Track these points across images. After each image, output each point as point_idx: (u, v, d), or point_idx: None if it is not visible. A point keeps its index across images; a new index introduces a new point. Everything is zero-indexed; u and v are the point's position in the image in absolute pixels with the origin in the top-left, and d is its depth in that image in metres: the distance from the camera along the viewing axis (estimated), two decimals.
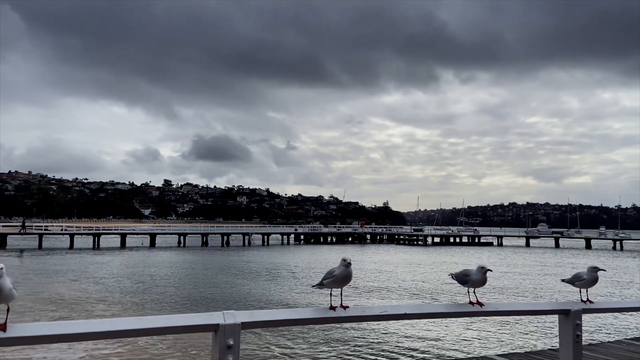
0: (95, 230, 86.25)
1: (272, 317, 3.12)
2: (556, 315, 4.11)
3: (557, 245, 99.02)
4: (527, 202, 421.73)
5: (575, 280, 4.55)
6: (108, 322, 2.78)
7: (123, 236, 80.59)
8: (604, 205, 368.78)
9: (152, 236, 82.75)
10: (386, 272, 43.96)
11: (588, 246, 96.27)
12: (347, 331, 18.65)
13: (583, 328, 4.21)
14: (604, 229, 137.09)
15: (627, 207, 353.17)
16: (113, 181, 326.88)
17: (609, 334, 18.61)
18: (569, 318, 3.97)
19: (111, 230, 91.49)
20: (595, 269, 4.57)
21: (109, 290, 30.35)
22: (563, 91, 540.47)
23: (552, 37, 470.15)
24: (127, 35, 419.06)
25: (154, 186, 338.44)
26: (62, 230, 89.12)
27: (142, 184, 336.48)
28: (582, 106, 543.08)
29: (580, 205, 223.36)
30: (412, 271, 45.48)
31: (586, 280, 4.51)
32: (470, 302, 3.91)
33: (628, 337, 11.34)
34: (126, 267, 45.13)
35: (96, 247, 74.53)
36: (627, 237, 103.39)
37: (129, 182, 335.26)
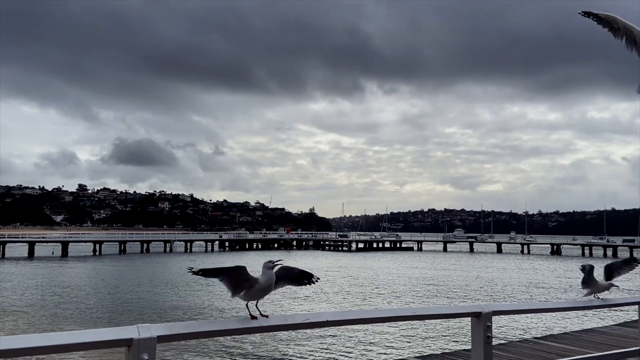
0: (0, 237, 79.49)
1: (191, 329, 3.00)
2: (469, 318, 4.29)
3: (471, 250, 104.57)
4: (445, 209, 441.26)
5: None
6: (6, 340, 2.55)
7: (31, 244, 75.01)
8: (513, 211, 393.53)
9: (64, 244, 77.59)
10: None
11: (499, 250, 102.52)
12: (267, 337, 18.50)
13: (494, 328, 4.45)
14: (514, 234, 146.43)
15: (533, 214, 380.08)
16: (21, 185, 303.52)
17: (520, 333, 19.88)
18: (480, 320, 4.16)
19: (18, 238, 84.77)
20: None
21: (14, 304, 28.06)
22: (476, 104, 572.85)
23: (465, 54, 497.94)
24: (40, 33, 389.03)
25: (67, 191, 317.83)
26: None
27: (53, 189, 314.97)
28: (494, 118, 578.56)
29: (493, 211, 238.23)
30: (342, 276, 46.02)
31: None
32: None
33: (534, 337, 12.16)
34: (34, 278, 41.98)
35: (0, 256, 68.72)
36: (533, 242, 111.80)
37: (39, 186, 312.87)
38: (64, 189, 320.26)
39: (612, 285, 5.31)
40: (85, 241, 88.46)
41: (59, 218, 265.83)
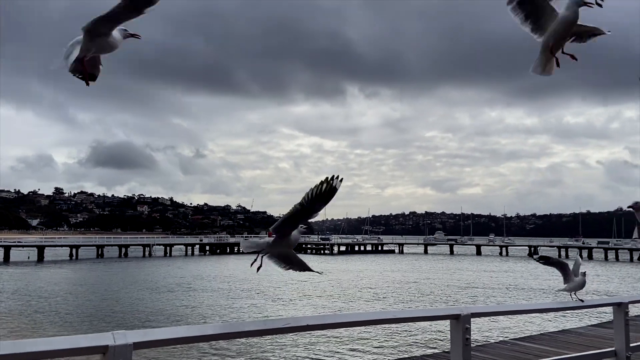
0: None
1: (168, 335, 2.96)
2: (448, 320, 4.33)
3: (451, 252, 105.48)
4: (426, 212, 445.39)
5: None
6: None
7: (7, 249, 73.30)
8: (492, 214, 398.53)
9: (40, 249, 75.98)
10: (300, 281, 44.03)
11: (479, 252, 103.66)
12: (252, 338, 18.38)
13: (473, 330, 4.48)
14: (493, 236, 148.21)
15: (511, 216, 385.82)
16: None
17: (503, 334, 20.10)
18: (459, 322, 4.20)
19: None
20: None
21: None
22: (456, 108, 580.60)
23: (446, 59, 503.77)
24: (16, 34, 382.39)
25: (43, 194, 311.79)
26: None
27: (29, 192, 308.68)
28: (473, 123, 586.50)
29: (472, 214, 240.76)
30: (324, 279, 45.94)
31: None
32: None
33: (512, 338, 12.31)
34: (12, 283, 41.00)
35: None
36: (511, 244, 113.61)
37: (15, 189, 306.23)
38: (40, 192, 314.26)
39: (584, 273, 5.42)
40: (62, 245, 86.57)
41: (34, 222, 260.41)
